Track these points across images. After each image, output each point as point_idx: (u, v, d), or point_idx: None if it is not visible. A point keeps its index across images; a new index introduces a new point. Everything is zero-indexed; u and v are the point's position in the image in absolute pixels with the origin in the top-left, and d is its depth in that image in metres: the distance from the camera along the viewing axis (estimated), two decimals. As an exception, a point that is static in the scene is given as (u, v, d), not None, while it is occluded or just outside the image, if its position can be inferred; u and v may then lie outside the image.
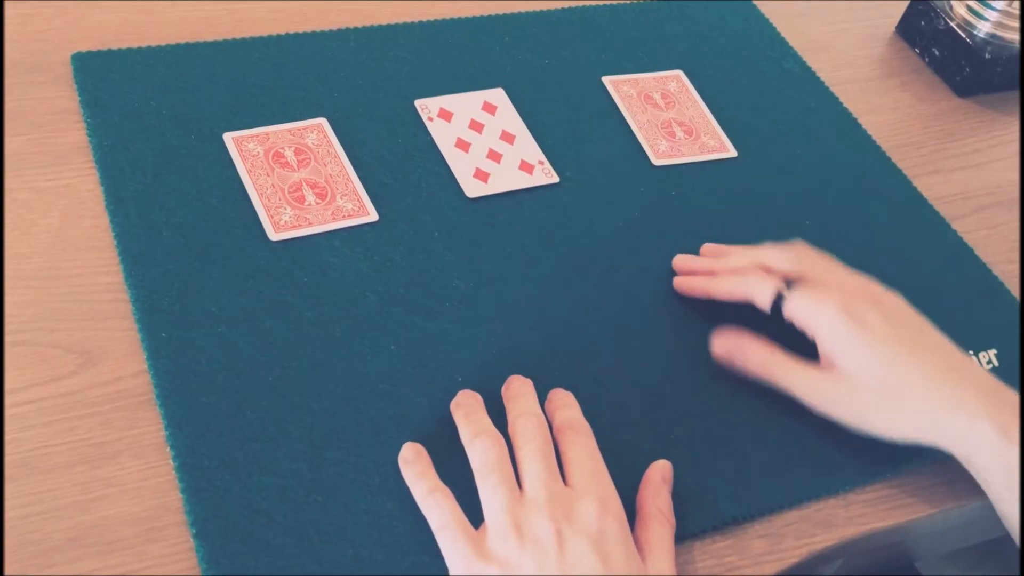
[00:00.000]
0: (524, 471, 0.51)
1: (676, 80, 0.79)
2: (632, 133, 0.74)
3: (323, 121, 0.68)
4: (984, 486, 0.57)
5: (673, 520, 0.53)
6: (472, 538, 0.49)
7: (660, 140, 0.74)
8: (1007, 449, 0.54)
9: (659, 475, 0.55)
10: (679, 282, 0.65)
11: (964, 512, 0.61)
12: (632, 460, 0.56)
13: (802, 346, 0.60)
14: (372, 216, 0.64)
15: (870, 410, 0.57)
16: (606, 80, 0.77)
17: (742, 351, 0.61)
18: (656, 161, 0.72)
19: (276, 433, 0.53)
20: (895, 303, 0.60)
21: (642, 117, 0.75)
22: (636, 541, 0.52)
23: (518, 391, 0.56)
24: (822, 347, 0.59)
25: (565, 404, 0.56)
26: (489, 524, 0.50)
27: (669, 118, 0.76)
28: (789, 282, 0.60)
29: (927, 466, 0.60)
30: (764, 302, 0.60)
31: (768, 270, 0.62)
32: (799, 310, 0.59)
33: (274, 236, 0.61)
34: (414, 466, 0.53)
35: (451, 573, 0.49)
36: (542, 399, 0.57)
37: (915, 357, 0.57)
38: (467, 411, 0.55)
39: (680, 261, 0.66)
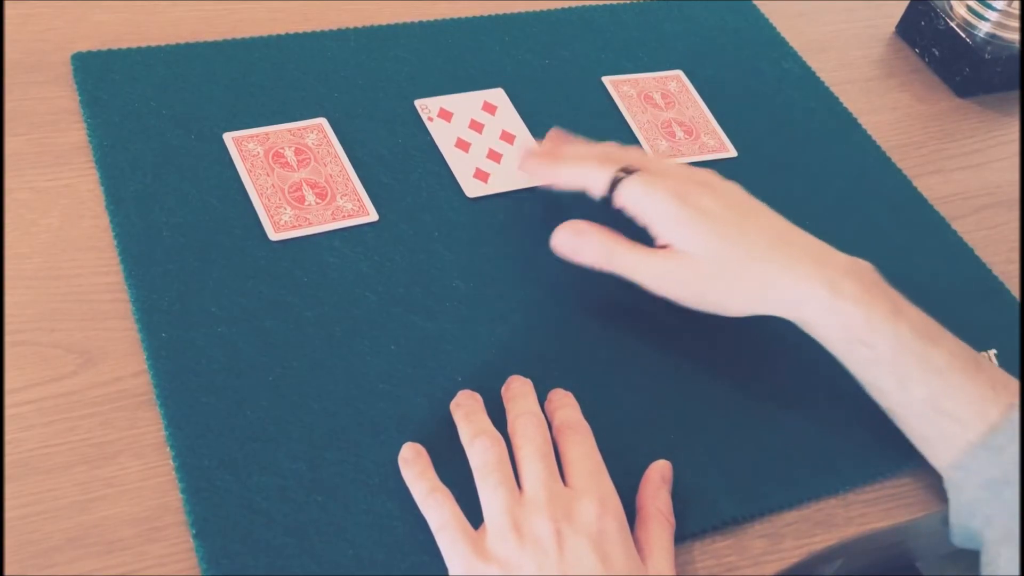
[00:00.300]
0: (524, 471, 0.51)
1: (676, 80, 0.79)
2: (632, 133, 0.74)
3: (323, 121, 0.68)
4: (826, 345, 0.58)
5: (673, 520, 0.53)
6: (472, 538, 0.49)
7: (660, 140, 0.74)
8: (838, 305, 0.56)
9: (659, 475, 0.55)
10: (524, 163, 0.65)
11: (964, 512, 0.61)
12: (632, 460, 0.56)
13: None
14: (372, 216, 0.64)
15: (706, 287, 0.59)
16: (606, 80, 0.77)
17: (581, 242, 0.60)
18: (656, 161, 0.72)
19: (276, 433, 0.53)
20: (729, 187, 0.61)
21: (642, 117, 0.75)
22: (636, 541, 0.52)
23: (518, 391, 0.56)
24: (654, 230, 0.59)
25: (564, 404, 0.56)
26: (489, 524, 0.50)
27: (669, 118, 0.76)
28: (626, 168, 0.60)
29: (927, 466, 0.60)
30: (600, 190, 0.60)
31: (607, 160, 0.62)
32: (631, 196, 0.59)
33: (274, 236, 0.61)
34: (414, 466, 0.53)
35: (451, 573, 0.49)
36: (542, 399, 0.57)
37: (745, 232, 0.59)
38: (467, 411, 0.55)
39: (524, 151, 0.66)
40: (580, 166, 0.62)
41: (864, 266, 0.58)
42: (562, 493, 0.51)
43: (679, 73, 0.79)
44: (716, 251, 0.58)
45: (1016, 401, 0.55)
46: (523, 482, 0.51)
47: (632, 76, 0.78)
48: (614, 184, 0.60)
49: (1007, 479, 0.53)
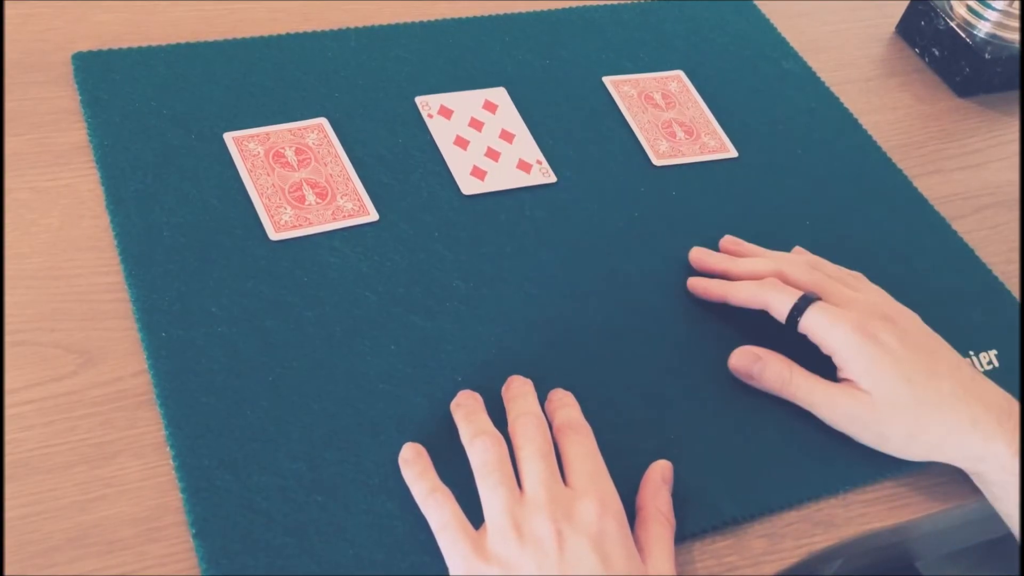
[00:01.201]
0: (524, 471, 0.51)
1: (677, 80, 0.78)
2: (633, 133, 0.74)
3: (323, 121, 0.68)
4: (994, 501, 0.57)
5: (673, 520, 0.53)
6: (472, 538, 0.49)
7: (660, 140, 0.74)
8: (1018, 466, 0.55)
9: (659, 475, 0.55)
10: (694, 283, 0.65)
11: (964, 512, 0.61)
12: (632, 460, 0.56)
13: (812, 356, 0.60)
14: (372, 216, 0.64)
15: (888, 432, 0.58)
16: (607, 80, 0.77)
17: (761, 367, 0.61)
18: (656, 161, 0.72)
19: (276, 433, 0.53)
20: (910, 321, 0.61)
21: (643, 117, 0.75)
22: (636, 541, 0.52)
23: (518, 391, 0.56)
24: (839, 365, 0.59)
25: (565, 404, 0.56)
26: (489, 524, 0.50)
27: (669, 118, 0.76)
28: (806, 296, 0.60)
29: (927, 466, 0.60)
30: (781, 314, 0.61)
31: (785, 279, 0.62)
32: (815, 326, 0.59)
33: (274, 236, 0.61)
34: (414, 466, 0.53)
35: (451, 573, 0.49)
36: (542, 399, 0.57)
37: (931, 377, 0.58)
38: (467, 411, 0.55)
39: (697, 255, 0.66)
40: (759, 286, 0.62)
41: None
42: (562, 493, 0.51)
43: (680, 73, 0.79)
44: (902, 395, 0.57)
45: None
46: (523, 482, 0.51)
47: (633, 76, 0.78)
48: (796, 310, 0.60)
49: None
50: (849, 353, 0.59)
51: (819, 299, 0.60)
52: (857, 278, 0.64)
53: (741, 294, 0.63)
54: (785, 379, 0.60)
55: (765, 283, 0.62)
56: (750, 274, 0.64)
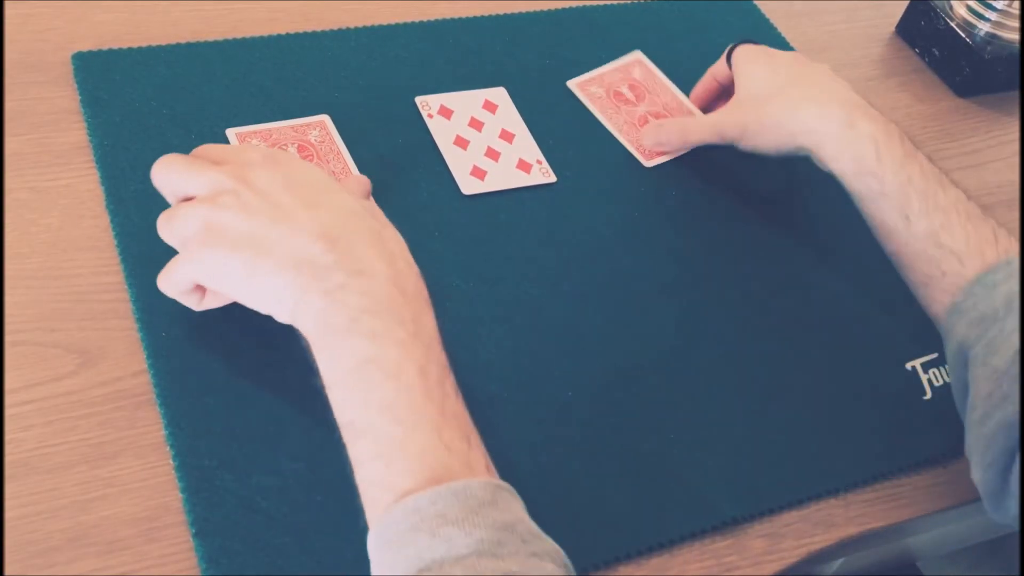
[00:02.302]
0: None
1: (639, 65, 0.78)
2: (628, 129, 0.74)
3: (325, 118, 0.68)
4: (840, 178, 0.63)
5: None
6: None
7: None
8: (853, 139, 0.62)
9: None
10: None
11: (964, 512, 0.61)
12: (632, 460, 0.56)
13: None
14: (372, 216, 0.64)
15: (745, 119, 0.67)
16: (571, 84, 0.76)
17: (662, 130, 0.71)
18: (646, 163, 0.72)
19: (276, 433, 0.53)
20: (820, 67, 0.69)
21: (617, 118, 0.74)
22: None
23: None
24: (734, 75, 0.70)
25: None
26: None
27: (644, 112, 0.75)
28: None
29: (927, 466, 0.60)
30: (725, 54, 0.72)
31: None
32: (740, 53, 0.70)
33: (274, 236, 0.61)
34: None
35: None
36: (548, 395, 0.56)
37: (795, 76, 0.67)
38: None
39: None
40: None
41: (893, 125, 0.63)
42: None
43: (638, 55, 0.78)
44: (761, 83, 0.67)
45: (1014, 257, 0.56)
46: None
47: (595, 73, 0.76)
48: (735, 45, 0.71)
49: (996, 316, 0.54)
50: (741, 65, 0.69)
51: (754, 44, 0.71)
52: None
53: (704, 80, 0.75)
54: (683, 129, 0.70)
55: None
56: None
